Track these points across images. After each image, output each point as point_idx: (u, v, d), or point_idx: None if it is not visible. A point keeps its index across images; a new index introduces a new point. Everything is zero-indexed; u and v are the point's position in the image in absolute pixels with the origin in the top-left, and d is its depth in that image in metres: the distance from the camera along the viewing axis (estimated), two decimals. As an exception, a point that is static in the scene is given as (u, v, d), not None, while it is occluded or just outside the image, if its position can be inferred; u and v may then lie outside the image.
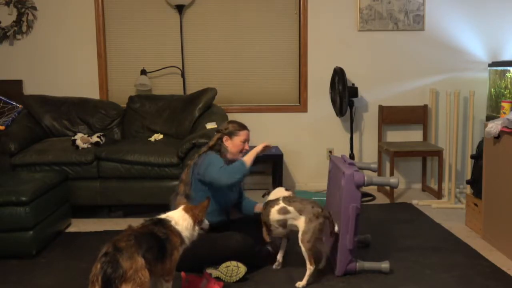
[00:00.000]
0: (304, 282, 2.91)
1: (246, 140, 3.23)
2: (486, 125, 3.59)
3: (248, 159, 3.07)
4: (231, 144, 3.19)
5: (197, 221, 2.59)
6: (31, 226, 3.37)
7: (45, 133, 4.68)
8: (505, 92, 4.73)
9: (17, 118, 4.63)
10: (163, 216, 2.55)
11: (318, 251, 3.07)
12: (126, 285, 2.10)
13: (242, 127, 3.24)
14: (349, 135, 5.02)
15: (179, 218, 2.53)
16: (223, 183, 2.97)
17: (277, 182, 4.58)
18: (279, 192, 3.20)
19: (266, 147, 3.15)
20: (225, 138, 3.19)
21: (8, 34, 4.98)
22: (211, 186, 3.06)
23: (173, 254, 2.43)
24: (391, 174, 4.73)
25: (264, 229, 3.13)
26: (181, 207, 2.62)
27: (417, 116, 5.13)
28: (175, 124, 4.70)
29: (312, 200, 3.04)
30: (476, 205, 3.83)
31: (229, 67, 5.17)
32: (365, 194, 4.81)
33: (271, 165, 5.03)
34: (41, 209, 3.52)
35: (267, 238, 3.15)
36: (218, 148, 3.19)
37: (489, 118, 4.67)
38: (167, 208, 3.09)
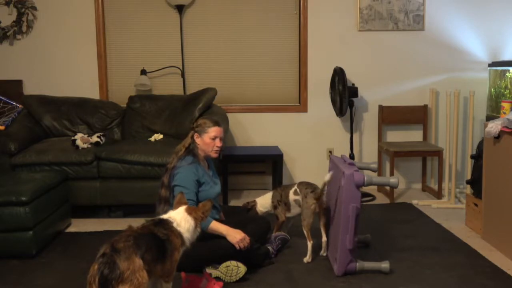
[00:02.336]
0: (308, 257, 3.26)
1: (217, 137, 3.13)
2: (486, 125, 3.59)
3: (216, 227, 2.96)
4: (201, 142, 3.11)
5: (199, 223, 2.58)
6: (31, 226, 3.37)
7: (45, 133, 4.68)
8: (505, 92, 4.73)
9: (17, 118, 4.63)
10: (165, 216, 2.54)
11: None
12: (123, 286, 2.10)
13: (213, 123, 3.15)
14: (349, 135, 5.02)
15: (181, 220, 2.51)
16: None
17: (277, 182, 4.58)
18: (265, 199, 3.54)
19: (233, 240, 2.96)
20: (195, 135, 3.12)
21: (8, 34, 4.99)
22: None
23: (173, 255, 2.42)
24: (391, 174, 4.73)
25: (279, 210, 3.44)
26: (183, 208, 2.59)
27: (417, 116, 5.13)
28: (175, 124, 4.70)
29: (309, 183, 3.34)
30: (476, 205, 3.83)
31: (229, 67, 5.17)
32: (365, 194, 4.81)
33: (271, 165, 5.03)
34: (41, 209, 3.52)
35: (283, 217, 3.46)
36: (192, 148, 3.12)
37: (489, 118, 4.66)
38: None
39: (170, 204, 2.98)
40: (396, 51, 5.15)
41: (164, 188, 3.09)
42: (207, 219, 2.83)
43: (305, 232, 3.25)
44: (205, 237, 2.87)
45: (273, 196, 3.50)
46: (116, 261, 2.12)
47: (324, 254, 3.31)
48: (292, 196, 3.38)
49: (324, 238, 3.28)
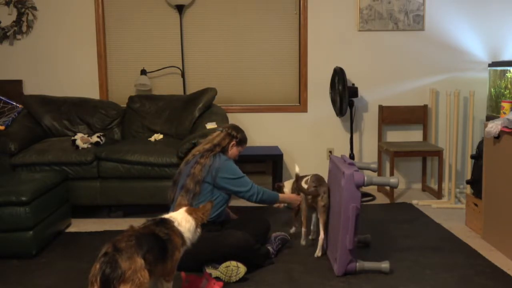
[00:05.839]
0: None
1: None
2: (486, 125, 3.59)
3: (284, 197, 3.51)
4: (235, 150, 3.35)
5: (199, 223, 2.59)
6: (31, 226, 3.37)
7: (45, 133, 4.68)
8: (505, 92, 4.73)
9: (17, 118, 4.63)
10: (166, 216, 2.56)
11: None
12: (124, 285, 2.10)
13: (247, 140, 3.46)
14: (349, 135, 5.02)
15: (182, 220, 2.53)
16: (253, 199, 3.26)
17: (277, 182, 4.57)
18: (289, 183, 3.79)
19: (296, 202, 3.54)
20: (233, 143, 3.31)
21: (8, 34, 4.98)
22: (216, 189, 3.17)
23: (174, 254, 2.43)
24: (391, 174, 4.73)
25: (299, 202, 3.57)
26: (184, 208, 2.61)
27: (417, 116, 5.13)
28: (175, 124, 4.70)
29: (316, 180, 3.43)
30: (476, 205, 3.83)
31: (229, 67, 5.17)
32: (365, 194, 4.81)
33: (271, 165, 5.03)
34: (41, 209, 3.52)
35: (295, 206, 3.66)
36: (226, 148, 3.29)
37: (489, 118, 4.66)
38: (167, 207, 3.11)
39: (196, 197, 3.09)
40: (396, 51, 5.15)
41: (192, 181, 3.11)
42: (273, 194, 3.39)
43: (301, 218, 3.49)
44: (210, 234, 2.93)
45: (293, 183, 3.73)
46: (118, 261, 2.12)
47: (319, 255, 3.31)
48: (303, 186, 3.47)
49: (321, 236, 3.30)
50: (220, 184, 3.16)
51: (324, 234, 3.29)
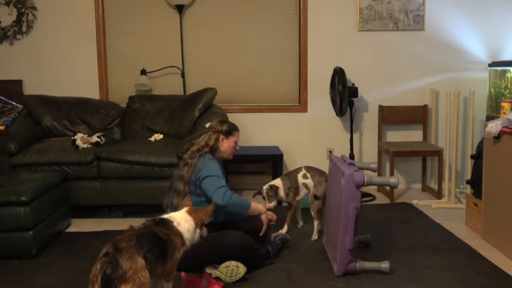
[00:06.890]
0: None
1: (237, 140, 3.30)
2: (486, 125, 3.59)
3: (255, 208, 3.17)
4: (227, 144, 3.24)
5: (199, 224, 2.58)
6: (31, 226, 3.37)
7: (45, 133, 4.68)
8: (505, 92, 4.73)
9: (17, 118, 4.63)
10: (165, 216, 2.56)
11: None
12: (125, 285, 2.10)
13: (236, 127, 3.31)
14: (349, 135, 5.02)
15: (181, 220, 2.53)
16: (219, 200, 3.00)
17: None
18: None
19: (270, 220, 3.27)
20: (221, 137, 3.22)
21: (8, 34, 4.98)
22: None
23: (174, 254, 2.43)
24: (391, 174, 4.73)
25: (291, 197, 3.71)
26: (185, 209, 2.61)
27: (417, 116, 5.13)
28: (175, 124, 4.70)
29: (319, 170, 3.73)
30: (476, 205, 3.83)
31: (229, 67, 5.17)
32: (365, 194, 4.81)
33: (271, 165, 5.03)
34: (41, 209, 3.52)
35: (296, 203, 3.75)
36: (215, 148, 3.21)
37: (489, 118, 4.66)
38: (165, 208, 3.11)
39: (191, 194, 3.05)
40: (396, 51, 5.15)
41: (182, 182, 3.11)
42: (244, 202, 3.11)
43: (313, 213, 3.64)
44: (209, 235, 2.91)
45: (283, 184, 3.71)
46: (119, 261, 2.12)
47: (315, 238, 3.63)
48: (301, 180, 3.66)
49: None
50: (200, 183, 3.10)
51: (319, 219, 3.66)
